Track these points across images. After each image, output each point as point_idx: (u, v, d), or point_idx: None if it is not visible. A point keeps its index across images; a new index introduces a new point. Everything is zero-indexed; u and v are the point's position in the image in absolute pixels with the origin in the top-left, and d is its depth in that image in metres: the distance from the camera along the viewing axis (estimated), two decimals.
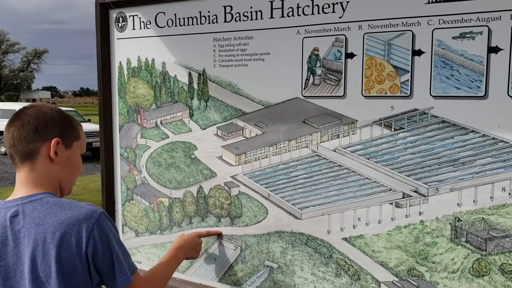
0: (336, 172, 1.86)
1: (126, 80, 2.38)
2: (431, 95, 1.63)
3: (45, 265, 1.39)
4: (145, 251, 2.41)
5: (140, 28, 2.30)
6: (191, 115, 2.19)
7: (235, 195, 2.11)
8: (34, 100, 56.20)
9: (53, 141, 1.49)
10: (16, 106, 18.38)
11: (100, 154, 2.47)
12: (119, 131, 2.44)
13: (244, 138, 2.06)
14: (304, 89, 1.88)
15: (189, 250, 1.99)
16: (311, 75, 1.86)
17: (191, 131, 2.20)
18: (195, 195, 2.23)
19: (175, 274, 2.29)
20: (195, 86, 2.16)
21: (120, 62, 2.39)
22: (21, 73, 62.38)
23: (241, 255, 2.12)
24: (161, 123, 2.29)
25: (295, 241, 1.96)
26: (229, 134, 2.10)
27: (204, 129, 2.16)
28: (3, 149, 17.53)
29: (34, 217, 1.41)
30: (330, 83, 1.82)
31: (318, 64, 1.84)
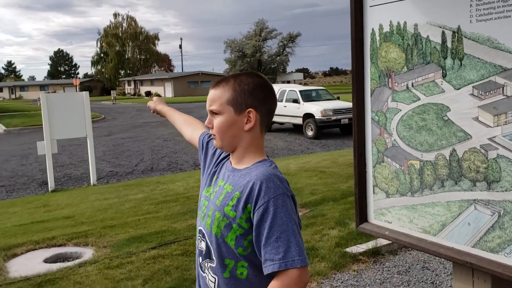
0: None
1: (378, 45, 2.45)
2: None
3: None
4: (395, 212, 2.47)
5: None
6: (443, 76, 2.14)
7: (493, 159, 1.99)
8: (288, 82, 61.09)
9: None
10: (274, 87, 20.33)
11: (352, 118, 2.62)
12: (371, 96, 2.53)
13: (505, 97, 1.92)
14: None
15: None
16: None
17: (444, 92, 2.15)
18: (447, 158, 2.18)
19: (426, 236, 2.30)
20: (449, 44, 2.09)
21: (373, 29, 2.46)
22: (278, 57, 68.35)
23: (498, 222, 2.00)
24: (412, 85, 2.29)
25: None
26: (487, 93, 1.98)
27: (458, 89, 2.09)
28: None
29: None
30: None
31: None
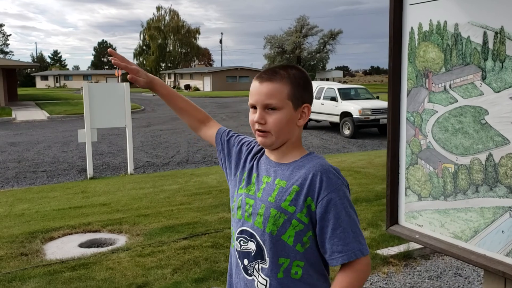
0: None
1: (416, 45, 2.39)
2: None
3: None
4: (427, 216, 2.42)
5: None
6: (483, 78, 2.08)
7: None
8: (327, 79, 60.59)
9: None
10: (313, 84, 20.20)
11: (387, 118, 2.58)
12: (407, 96, 2.48)
13: None
14: None
15: None
16: None
17: (483, 94, 2.09)
18: (483, 163, 2.12)
19: (457, 242, 2.24)
20: (490, 46, 2.03)
21: (412, 28, 2.41)
22: (318, 54, 67.85)
23: None
24: (450, 87, 2.24)
25: None
26: None
27: (498, 92, 2.02)
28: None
29: None
30: None
31: None
